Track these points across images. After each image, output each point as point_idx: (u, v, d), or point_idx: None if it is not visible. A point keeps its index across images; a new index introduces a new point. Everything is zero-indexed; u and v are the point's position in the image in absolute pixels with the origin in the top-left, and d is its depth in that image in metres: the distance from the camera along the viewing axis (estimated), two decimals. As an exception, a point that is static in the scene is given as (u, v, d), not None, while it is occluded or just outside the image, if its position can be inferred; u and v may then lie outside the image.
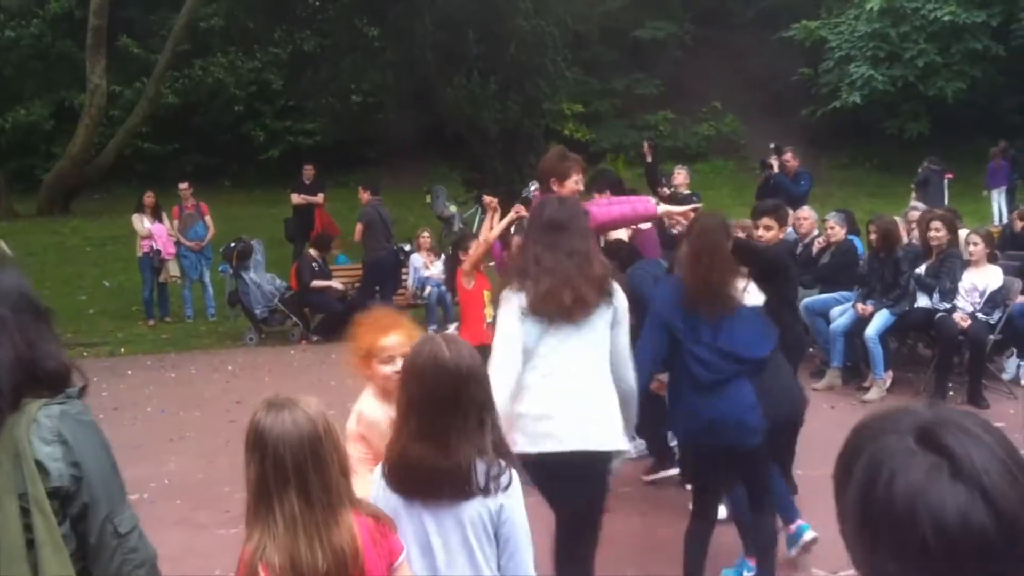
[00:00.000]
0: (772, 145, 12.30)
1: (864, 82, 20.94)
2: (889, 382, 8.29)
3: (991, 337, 7.90)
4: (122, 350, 11.66)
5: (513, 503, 2.56)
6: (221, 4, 20.76)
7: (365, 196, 12.75)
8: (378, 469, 2.67)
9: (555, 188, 5.76)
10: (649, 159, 11.18)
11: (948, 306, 7.99)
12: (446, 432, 2.49)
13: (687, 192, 10.10)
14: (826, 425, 6.13)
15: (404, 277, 13.08)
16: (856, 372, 8.65)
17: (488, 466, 2.52)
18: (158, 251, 13.13)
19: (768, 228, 5.94)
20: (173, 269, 13.41)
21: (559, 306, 3.50)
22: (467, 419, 2.52)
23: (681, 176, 11.03)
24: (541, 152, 18.49)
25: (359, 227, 12.49)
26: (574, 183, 5.73)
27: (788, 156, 11.64)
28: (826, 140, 22.42)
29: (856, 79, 21.06)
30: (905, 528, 1.07)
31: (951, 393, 8.00)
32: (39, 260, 16.58)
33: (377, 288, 12.49)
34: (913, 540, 1.07)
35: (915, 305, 8.27)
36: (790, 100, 23.63)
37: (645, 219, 5.71)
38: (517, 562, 2.57)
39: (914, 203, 13.38)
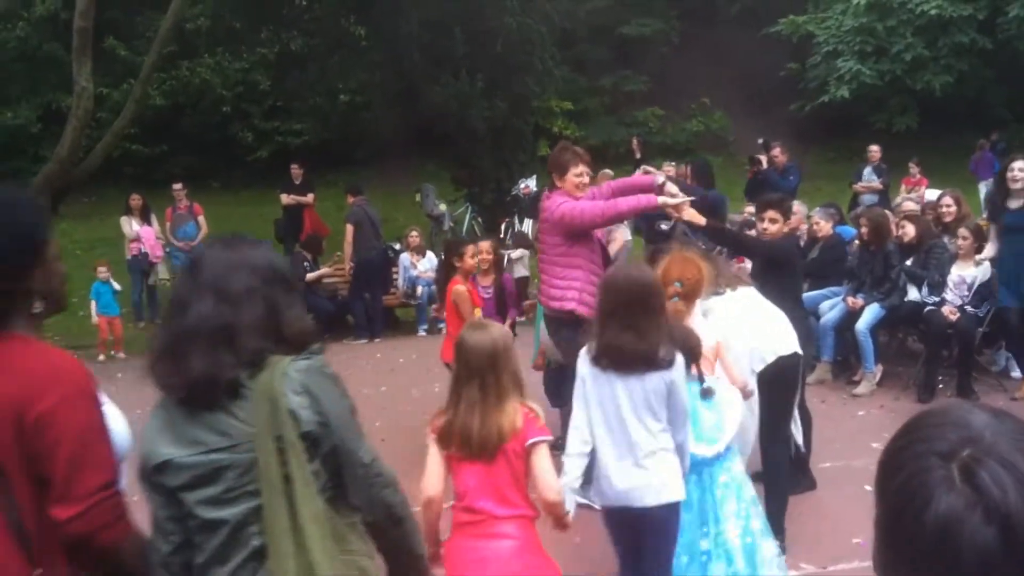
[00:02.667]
0: (760, 140, 12.35)
1: (852, 76, 20.97)
2: (879, 376, 8.31)
3: (979, 330, 7.94)
4: (112, 352, 11.61)
5: (678, 377, 3.76)
6: (207, 5, 20.69)
7: (351, 199, 12.77)
8: (583, 352, 3.84)
9: (557, 182, 5.79)
10: (638, 155, 11.21)
11: (937, 299, 8.02)
12: (641, 325, 3.67)
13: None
14: (817, 419, 6.16)
15: (394, 277, 13.06)
16: (846, 366, 8.68)
17: (666, 349, 3.70)
18: (146, 254, 13.10)
19: (773, 221, 5.96)
20: (162, 272, 13.40)
21: None
22: (655, 317, 3.71)
23: (670, 172, 11.06)
24: (530, 149, 18.68)
25: (349, 228, 12.47)
26: (575, 176, 5.75)
27: (776, 151, 11.69)
28: (814, 135, 22.46)
29: (844, 73, 21.09)
30: (930, 559, 1.08)
31: (941, 387, 8.04)
32: (27, 263, 16.53)
33: (366, 289, 12.49)
34: (934, 569, 1.08)
35: (906, 299, 8.30)
36: (778, 95, 23.67)
37: (647, 211, 5.89)
38: (677, 412, 3.78)
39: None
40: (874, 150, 14.84)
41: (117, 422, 2.46)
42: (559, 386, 6.09)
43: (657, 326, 3.70)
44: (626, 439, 3.74)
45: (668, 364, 3.70)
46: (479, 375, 3.33)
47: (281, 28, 19.38)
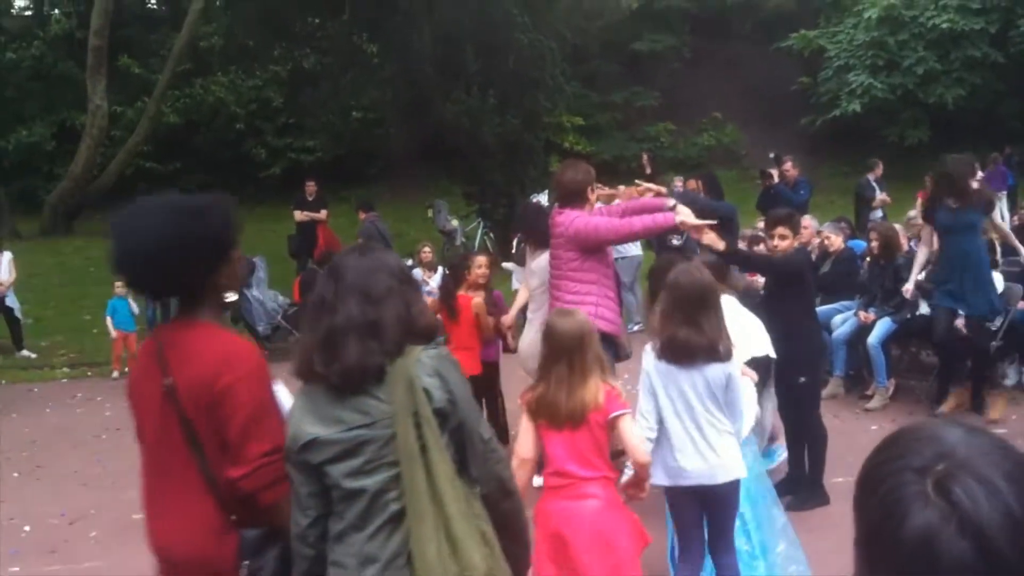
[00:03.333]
0: (772, 155, 12.35)
1: (863, 90, 20.97)
2: (892, 390, 8.27)
3: (992, 344, 7.89)
4: (127, 369, 11.65)
5: (735, 370, 4.19)
6: (221, 23, 20.86)
7: (362, 215, 12.78)
8: (648, 346, 4.24)
9: (591, 197, 5.84)
10: (648, 170, 11.23)
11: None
12: (701, 321, 4.06)
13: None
14: (830, 434, 6.14)
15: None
16: (859, 380, 8.64)
17: (724, 343, 4.09)
18: (160, 270, 13.15)
19: (783, 237, 5.95)
20: (175, 288, 13.45)
21: None
22: (713, 313, 4.10)
23: (678, 186, 11.10)
24: (541, 165, 18.71)
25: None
26: (592, 195, 5.85)
27: (788, 165, 11.68)
28: (826, 149, 22.45)
29: (855, 87, 21.09)
30: (908, 573, 1.10)
31: (951, 399, 7.98)
32: (42, 280, 16.62)
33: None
34: None
35: (917, 312, 8.27)
36: (790, 109, 23.66)
37: (664, 230, 5.88)
38: (733, 402, 4.19)
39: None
40: (878, 163, 14.86)
41: (287, 400, 2.80)
42: None
43: (715, 322, 4.12)
44: (695, 425, 4.13)
45: (727, 356, 4.12)
46: (567, 355, 3.79)
47: (294, 46, 19.50)
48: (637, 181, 7.17)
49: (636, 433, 3.91)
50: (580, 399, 3.77)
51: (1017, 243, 8.30)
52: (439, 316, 6.54)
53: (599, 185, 6.86)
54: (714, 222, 5.65)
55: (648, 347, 4.26)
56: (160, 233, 2.68)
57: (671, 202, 5.76)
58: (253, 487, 2.59)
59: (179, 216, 2.74)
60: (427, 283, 12.67)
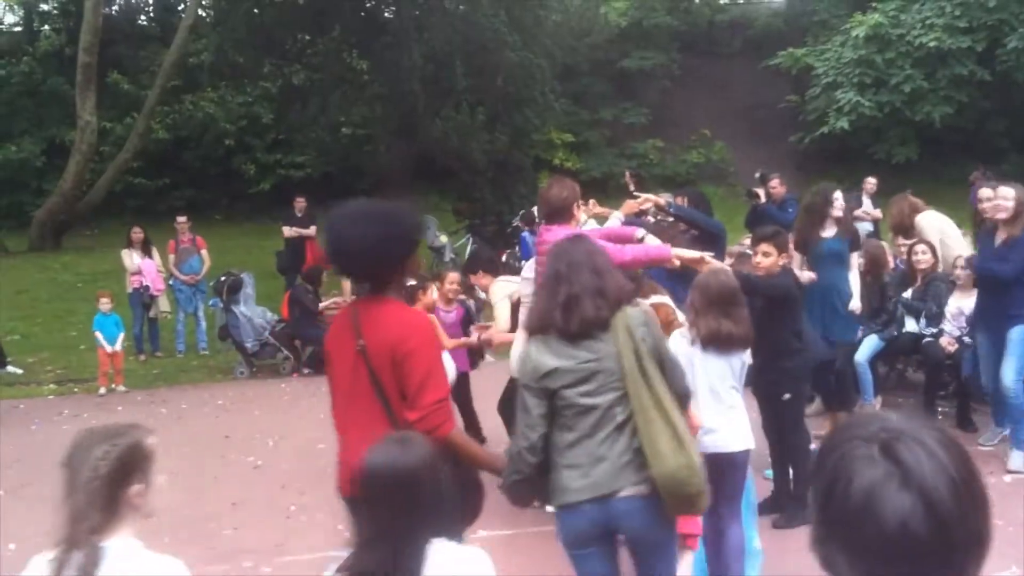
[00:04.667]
0: (757, 175, 12.35)
1: (851, 108, 21.06)
2: (879, 407, 8.27)
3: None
4: (113, 386, 11.62)
5: (747, 357, 4.84)
6: (210, 40, 20.86)
7: None
8: (678, 336, 4.83)
9: (576, 214, 5.74)
10: (632, 188, 11.16)
11: (935, 330, 8.00)
12: (735, 315, 4.66)
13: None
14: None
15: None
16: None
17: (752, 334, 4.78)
18: (148, 286, 13.12)
19: (767, 255, 5.95)
20: (163, 305, 13.41)
21: None
22: (743, 308, 4.73)
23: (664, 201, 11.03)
24: (531, 182, 18.74)
25: (345, 284, 12.32)
26: (580, 213, 5.79)
27: (775, 183, 11.68)
28: (814, 166, 22.51)
29: (843, 105, 21.18)
30: (855, 526, 1.24)
31: (940, 417, 8.01)
32: (30, 296, 16.57)
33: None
34: (860, 537, 1.23)
35: (903, 330, 8.29)
36: (778, 127, 23.77)
37: (658, 262, 5.59)
38: (742, 381, 4.86)
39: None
40: (871, 182, 14.90)
41: (448, 363, 3.97)
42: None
43: (745, 315, 4.73)
44: (727, 402, 4.72)
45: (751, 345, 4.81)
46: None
47: (284, 62, 19.53)
48: (637, 193, 7.12)
49: None
50: None
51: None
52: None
53: (593, 203, 6.84)
54: (711, 254, 5.59)
55: (678, 334, 4.86)
56: (369, 232, 3.52)
57: (640, 233, 5.69)
58: (426, 427, 3.31)
59: (382, 219, 3.61)
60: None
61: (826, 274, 7.32)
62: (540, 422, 3.50)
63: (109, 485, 2.40)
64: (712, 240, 6.89)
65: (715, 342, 4.67)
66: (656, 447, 3.42)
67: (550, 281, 3.66)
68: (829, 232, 7.43)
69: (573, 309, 3.51)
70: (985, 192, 7.69)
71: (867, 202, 14.54)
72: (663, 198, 6.94)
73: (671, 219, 7.03)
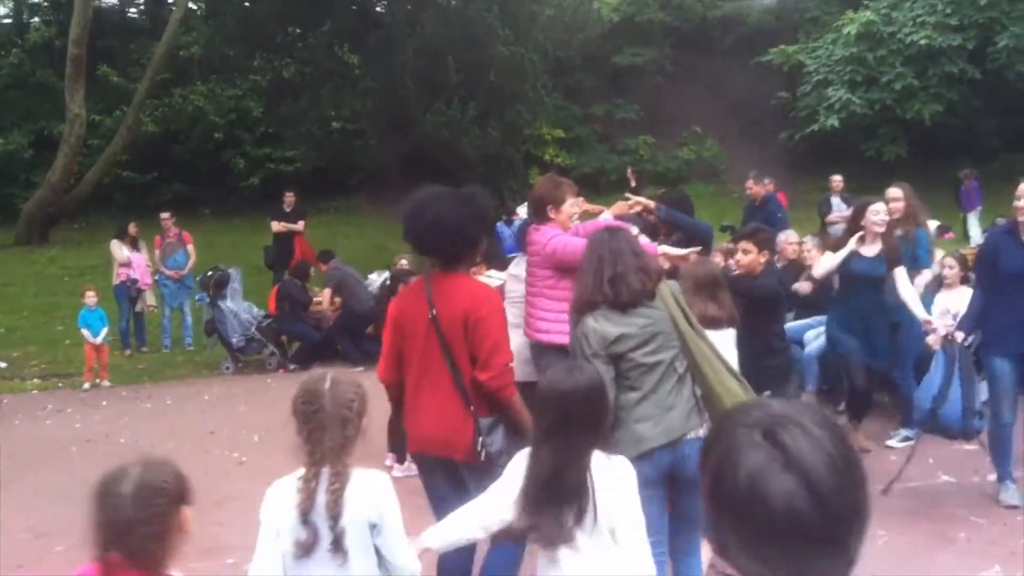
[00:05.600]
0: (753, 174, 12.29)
1: (842, 105, 21.04)
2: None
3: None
4: (98, 381, 11.56)
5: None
6: (200, 32, 20.79)
7: (324, 267, 12.53)
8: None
9: (552, 215, 5.71)
10: (633, 184, 11.15)
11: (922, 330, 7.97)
12: (720, 298, 5.20)
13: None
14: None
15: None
16: (832, 395, 8.62)
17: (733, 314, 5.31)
18: (135, 280, 13.06)
19: (746, 252, 5.93)
20: (150, 299, 13.36)
21: None
22: (727, 291, 5.28)
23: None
24: (522, 177, 18.74)
25: (326, 293, 12.15)
26: (570, 207, 5.70)
27: (750, 183, 11.63)
28: (805, 163, 22.51)
29: (834, 103, 21.16)
30: (743, 508, 1.29)
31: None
32: (17, 290, 16.50)
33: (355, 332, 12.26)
34: (749, 519, 1.29)
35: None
36: (769, 124, 23.74)
37: None
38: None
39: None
40: (836, 180, 14.92)
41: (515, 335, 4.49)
42: None
43: (729, 300, 5.09)
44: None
45: (736, 324, 5.15)
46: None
47: (274, 56, 19.48)
48: (627, 195, 7.08)
49: None
50: None
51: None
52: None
53: (581, 200, 6.79)
54: (698, 249, 5.60)
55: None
56: (450, 213, 3.98)
57: (635, 230, 5.71)
58: (495, 386, 3.89)
59: (460, 202, 4.06)
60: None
61: (866, 295, 6.89)
62: (611, 385, 3.80)
63: (358, 418, 3.00)
64: (699, 242, 6.86)
65: (703, 324, 4.72)
66: (726, 385, 4.01)
67: (593, 265, 4.07)
68: (870, 250, 6.84)
69: (620, 284, 3.96)
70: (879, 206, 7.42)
71: (837, 202, 14.55)
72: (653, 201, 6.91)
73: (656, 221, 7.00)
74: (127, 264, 13.10)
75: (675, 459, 3.97)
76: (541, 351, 5.80)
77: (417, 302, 4.09)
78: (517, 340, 6.28)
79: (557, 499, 3.01)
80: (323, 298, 12.16)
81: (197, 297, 12.82)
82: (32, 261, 18.58)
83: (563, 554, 3.02)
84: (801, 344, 8.44)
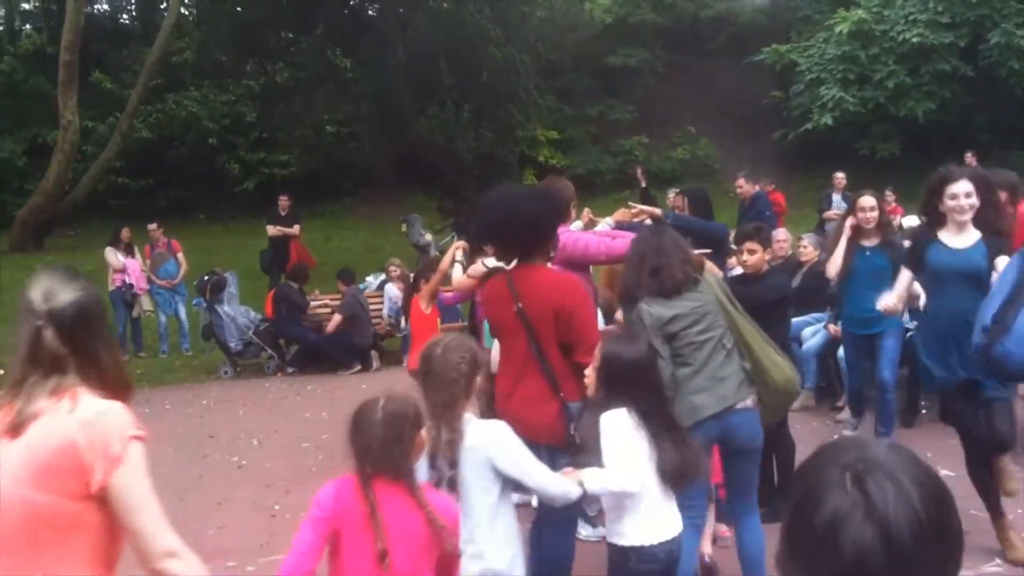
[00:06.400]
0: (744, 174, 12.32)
1: (835, 104, 21.11)
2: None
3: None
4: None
5: None
6: (193, 38, 20.79)
7: (342, 286, 12.48)
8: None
9: (571, 213, 5.71)
10: (643, 184, 11.13)
11: (916, 324, 7.98)
12: (672, 261, 4.82)
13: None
14: (801, 445, 6.13)
15: (379, 307, 12.97)
16: (829, 392, 8.66)
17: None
18: (131, 285, 13.04)
19: (752, 252, 5.90)
20: (146, 304, 13.34)
21: None
22: (691, 260, 4.84)
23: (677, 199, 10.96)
24: (516, 178, 18.71)
25: (336, 319, 12.07)
26: (574, 207, 5.75)
27: (740, 182, 11.67)
28: (798, 162, 22.57)
29: (827, 101, 21.23)
30: (818, 551, 1.24)
31: (924, 411, 8.02)
32: (11, 297, 16.31)
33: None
34: (823, 562, 1.24)
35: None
36: (762, 123, 23.80)
37: (620, 260, 5.28)
38: None
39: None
40: (839, 177, 14.94)
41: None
42: None
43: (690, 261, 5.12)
44: None
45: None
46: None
47: (267, 61, 19.46)
48: (630, 204, 7.04)
49: None
50: None
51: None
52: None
53: (587, 211, 6.76)
54: (708, 251, 5.56)
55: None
56: (529, 209, 4.25)
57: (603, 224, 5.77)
58: (587, 362, 3.93)
59: (538, 198, 4.40)
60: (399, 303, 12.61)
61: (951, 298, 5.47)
62: (668, 362, 4.15)
63: (465, 379, 3.43)
64: (712, 245, 6.86)
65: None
66: (773, 359, 4.44)
67: (635, 261, 4.37)
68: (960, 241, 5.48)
69: (662, 274, 4.24)
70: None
71: (837, 200, 14.57)
72: (672, 196, 6.93)
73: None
74: (122, 270, 13.08)
75: (724, 428, 4.28)
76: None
77: (502, 298, 4.30)
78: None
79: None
80: (331, 324, 12.08)
81: (194, 302, 12.79)
82: (27, 268, 18.36)
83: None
84: (799, 341, 8.47)
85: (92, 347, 2.38)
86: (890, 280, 6.10)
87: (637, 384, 3.67)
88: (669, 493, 3.64)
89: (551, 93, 22.58)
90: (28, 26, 24.54)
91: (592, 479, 3.59)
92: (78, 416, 2.25)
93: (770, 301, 5.82)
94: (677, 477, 3.61)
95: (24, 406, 2.26)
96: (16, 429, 2.25)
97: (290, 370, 11.99)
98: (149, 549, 2.28)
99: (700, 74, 25.89)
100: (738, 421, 4.29)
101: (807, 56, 22.56)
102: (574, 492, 3.55)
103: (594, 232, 5.90)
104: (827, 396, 8.63)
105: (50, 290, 2.37)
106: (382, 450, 2.94)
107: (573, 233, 5.57)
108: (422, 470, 3.32)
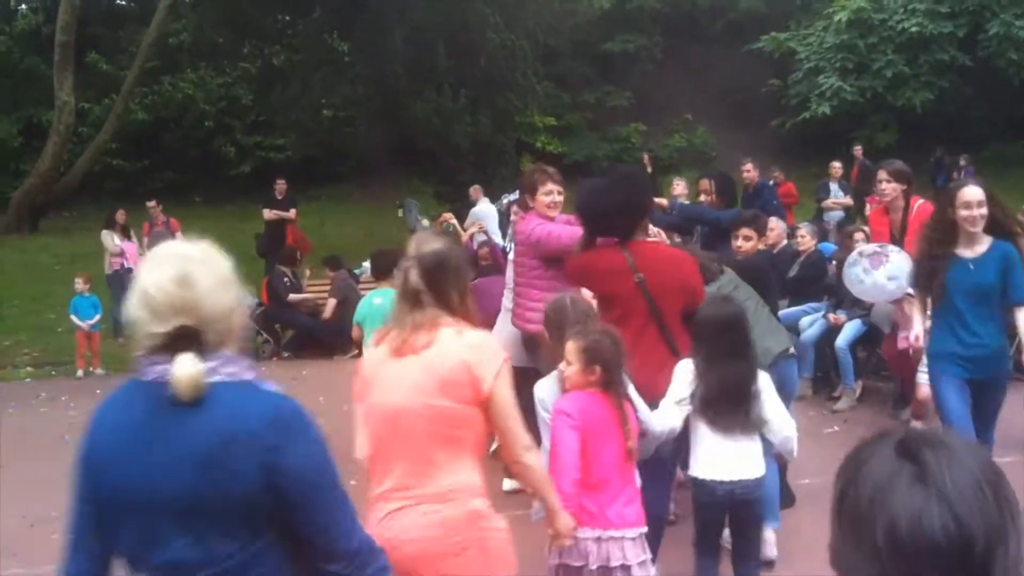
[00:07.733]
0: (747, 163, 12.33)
1: (833, 93, 21.11)
2: (859, 391, 8.30)
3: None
4: (91, 368, 11.52)
5: None
6: (190, 20, 20.69)
7: (331, 272, 12.43)
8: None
9: (530, 202, 5.69)
10: (650, 170, 11.07)
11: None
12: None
13: (687, 202, 9.91)
14: (798, 434, 6.13)
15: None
16: (826, 382, 8.66)
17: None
18: (129, 269, 13.00)
19: (748, 238, 5.93)
20: (144, 286, 13.31)
21: None
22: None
23: (680, 187, 10.93)
24: (512, 165, 18.69)
25: (331, 303, 12.01)
26: (544, 195, 5.64)
27: (748, 167, 11.64)
28: (796, 151, 22.54)
29: (825, 90, 21.22)
30: (865, 524, 1.19)
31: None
32: (7, 278, 16.41)
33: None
34: (870, 536, 1.17)
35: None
36: (760, 111, 23.77)
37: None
38: None
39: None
40: (836, 166, 14.96)
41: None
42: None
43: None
44: None
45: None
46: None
47: (264, 43, 19.38)
48: None
49: None
50: None
51: None
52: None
53: None
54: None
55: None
56: (626, 194, 4.49)
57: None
58: None
59: (632, 183, 4.65)
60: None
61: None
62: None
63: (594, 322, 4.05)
64: (721, 233, 6.85)
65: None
66: (780, 335, 5.17)
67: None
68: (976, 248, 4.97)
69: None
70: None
71: (835, 189, 14.57)
72: (677, 186, 6.95)
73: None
74: (120, 254, 13.04)
75: (779, 375, 4.68)
76: (532, 340, 5.77)
77: (621, 266, 4.44)
78: (510, 326, 6.26)
79: (731, 402, 4.01)
80: (328, 309, 12.02)
81: (190, 285, 12.74)
82: (22, 250, 18.49)
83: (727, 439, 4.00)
84: (796, 331, 8.46)
85: (445, 287, 2.93)
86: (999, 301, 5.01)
87: (728, 340, 4.04)
88: (739, 437, 3.98)
89: (549, 79, 22.52)
90: (24, 6, 24.38)
91: (652, 419, 3.97)
92: (466, 341, 2.85)
93: (747, 275, 5.87)
94: (714, 403, 3.97)
95: (401, 333, 2.89)
96: (399, 351, 2.89)
97: (285, 355, 11.97)
98: (515, 443, 2.89)
99: (698, 61, 25.84)
100: (787, 369, 5.14)
101: (806, 44, 22.54)
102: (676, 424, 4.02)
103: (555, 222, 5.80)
104: (824, 386, 8.63)
105: (421, 243, 3.00)
106: (618, 365, 3.70)
107: (547, 226, 5.51)
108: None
